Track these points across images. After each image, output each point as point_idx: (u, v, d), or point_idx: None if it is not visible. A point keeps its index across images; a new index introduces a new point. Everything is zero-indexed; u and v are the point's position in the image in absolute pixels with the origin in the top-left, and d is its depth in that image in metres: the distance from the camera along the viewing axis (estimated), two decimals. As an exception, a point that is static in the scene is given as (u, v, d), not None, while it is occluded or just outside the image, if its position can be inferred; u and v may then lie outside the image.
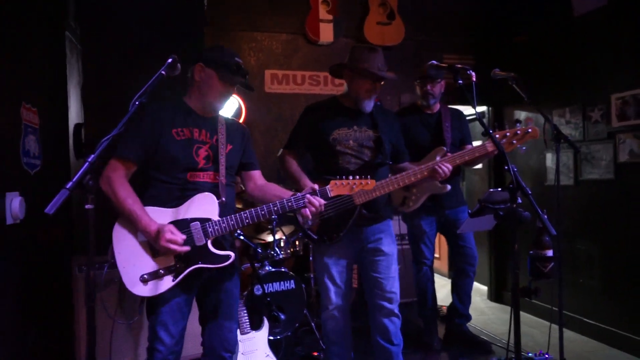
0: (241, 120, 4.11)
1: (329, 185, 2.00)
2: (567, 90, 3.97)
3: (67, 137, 3.15)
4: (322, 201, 1.98)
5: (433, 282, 3.54)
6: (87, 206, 1.52)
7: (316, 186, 2.01)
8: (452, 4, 4.87)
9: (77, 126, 3.14)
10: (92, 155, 1.50)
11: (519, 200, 1.80)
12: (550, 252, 2.31)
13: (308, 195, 1.97)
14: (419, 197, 3.13)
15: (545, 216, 1.70)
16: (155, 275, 1.89)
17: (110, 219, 1.92)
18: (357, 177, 2.00)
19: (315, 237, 2.46)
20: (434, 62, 2.13)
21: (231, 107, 4.16)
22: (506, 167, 1.76)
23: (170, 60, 1.79)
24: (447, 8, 4.85)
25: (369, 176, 2.02)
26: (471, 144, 3.38)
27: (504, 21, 4.72)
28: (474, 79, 2.04)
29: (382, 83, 2.46)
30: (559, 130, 2.67)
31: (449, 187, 2.86)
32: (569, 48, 3.97)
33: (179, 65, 1.82)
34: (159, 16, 3.20)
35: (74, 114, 3.37)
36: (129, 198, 1.88)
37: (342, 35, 4.49)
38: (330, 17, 4.43)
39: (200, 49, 3.22)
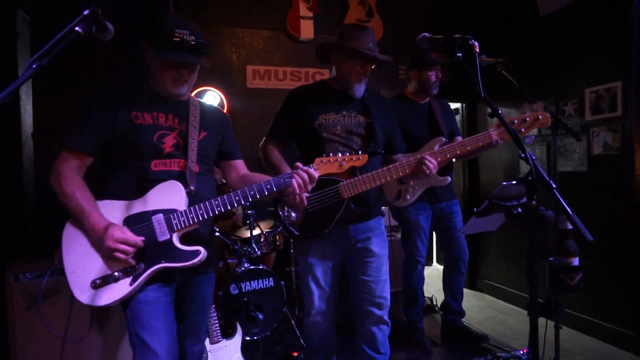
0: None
1: (313, 164, 1.48)
2: (541, 86, 3.50)
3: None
4: (307, 178, 1.49)
5: (424, 280, 2.99)
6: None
7: (299, 164, 1.50)
8: (426, 4, 4.33)
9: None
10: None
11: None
12: (576, 261, 1.60)
13: (293, 173, 1.49)
14: (417, 190, 2.59)
15: (576, 217, 1.24)
16: (108, 280, 1.38)
17: (60, 222, 1.44)
18: (347, 152, 1.53)
19: (297, 234, 1.88)
20: (426, 34, 1.55)
21: (213, 101, 3.53)
22: (522, 155, 1.29)
23: (85, 11, 1.12)
24: (421, 8, 4.31)
25: (360, 151, 1.56)
26: (460, 136, 2.87)
27: (477, 20, 4.23)
28: (477, 50, 1.50)
29: (374, 66, 1.88)
30: (557, 119, 2.19)
31: (449, 179, 2.35)
32: (540, 45, 3.51)
33: (109, 26, 1.18)
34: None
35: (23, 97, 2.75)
36: (77, 192, 1.40)
37: (323, 32, 3.89)
38: (310, 14, 3.83)
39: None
